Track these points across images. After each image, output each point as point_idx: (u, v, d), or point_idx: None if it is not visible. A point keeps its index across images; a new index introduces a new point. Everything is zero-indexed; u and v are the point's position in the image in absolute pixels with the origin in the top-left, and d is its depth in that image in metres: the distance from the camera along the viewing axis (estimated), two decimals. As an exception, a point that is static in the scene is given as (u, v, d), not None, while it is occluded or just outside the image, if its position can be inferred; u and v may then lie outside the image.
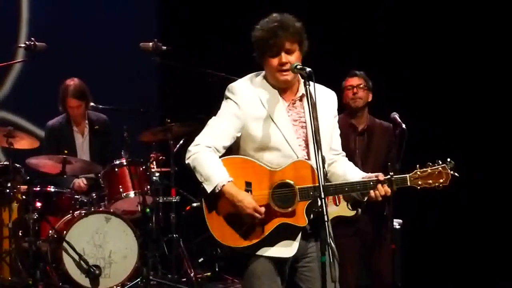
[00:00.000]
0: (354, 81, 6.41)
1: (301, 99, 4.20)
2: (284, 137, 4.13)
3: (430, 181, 4.19)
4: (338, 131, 4.38)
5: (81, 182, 7.64)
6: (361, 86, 6.40)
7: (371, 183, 4.14)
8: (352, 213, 6.11)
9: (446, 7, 8.50)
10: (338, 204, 6.05)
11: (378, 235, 6.32)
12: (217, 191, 4.04)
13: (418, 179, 4.18)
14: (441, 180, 4.19)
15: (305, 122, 4.17)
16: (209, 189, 4.05)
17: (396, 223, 6.60)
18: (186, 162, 4.15)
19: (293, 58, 4.12)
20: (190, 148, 4.16)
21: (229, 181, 4.04)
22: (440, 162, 4.20)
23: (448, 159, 4.23)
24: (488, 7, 8.38)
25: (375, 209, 6.15)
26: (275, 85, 4.19)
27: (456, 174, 4.21)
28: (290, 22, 4.13)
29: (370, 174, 4.21)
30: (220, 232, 4.09)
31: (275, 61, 4.12)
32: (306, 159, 4.14)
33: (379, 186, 4.12)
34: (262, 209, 4.04)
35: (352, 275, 6.26)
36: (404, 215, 6.78)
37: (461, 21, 8.44)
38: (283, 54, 4.10)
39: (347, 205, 6.00)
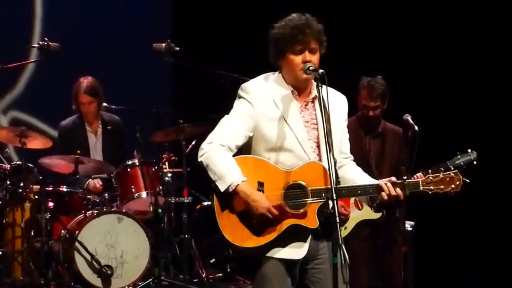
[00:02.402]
0: (370, 103, 6.29)
1: (313, 101, 4.19)
2: (297, 138, 4.11)
3: (442, 186, 4.18)
4: (348, 135, 4.36)
5: (96, 183, 7.65)
6: (377, 108, 6.33)
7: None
8: (378, 215, 6.10)
9: (454, 6, 8.47)
10: (361, 208, 6.03)
11: (390, 237, 6.31)
12: (230, 190, 4.02)
13: (430, 184, 4.17)
14: (453, 186, 4.18)
15: (316, 124, 4.16)
16: (222, 188, 4.02)
17: (408, 225, 6.58)
18: (199, 160, 4.11)
19: (315, 58, 4.12)
20: (202, 146, 4.13)
21: (243, 181, 4.03)
22: (453, 168, 4.18)
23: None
24: (494, 5, 8.36)
25: (387, 211, 6.14)
26: (292, 84, 4.17)
27: (467, 180, 4.20)
28: (315, 22, 4.13)
29: (382, 180, 4.18)
30: (231, 231, 4.07)
31: (298, 59, 4.10)
32: (318, 160, 4.12)
33: (391, 188, 4.11)
34: (276, 211, 4.03)
35: (364, 276, 6.25)
36: (416, 217, 6.76)
37: (473, 18, 8.41)
38: (307, 52, 4.10)
39: (371, 208, 5.98)
